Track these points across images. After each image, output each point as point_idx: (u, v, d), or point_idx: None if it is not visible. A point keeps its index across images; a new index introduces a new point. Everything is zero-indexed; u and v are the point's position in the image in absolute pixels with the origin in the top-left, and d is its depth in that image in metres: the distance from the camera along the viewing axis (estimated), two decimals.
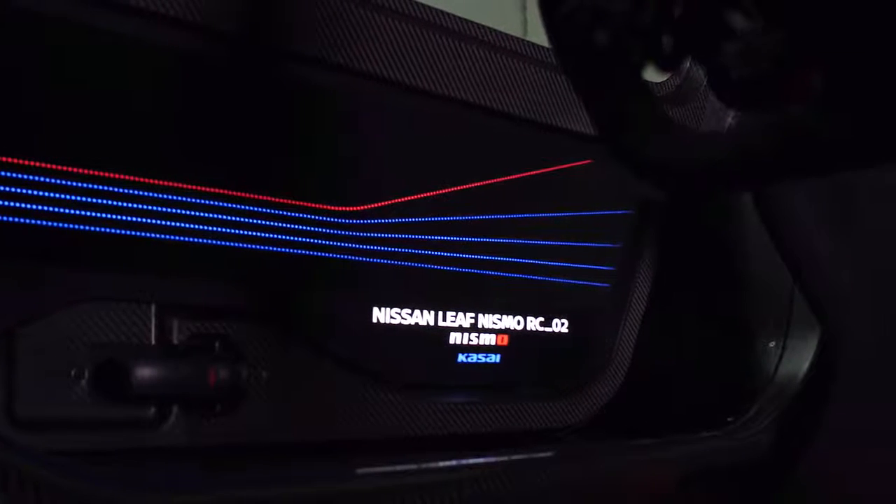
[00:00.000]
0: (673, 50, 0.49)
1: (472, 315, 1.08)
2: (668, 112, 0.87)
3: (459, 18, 1.00)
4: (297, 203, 0.90)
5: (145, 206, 0.79)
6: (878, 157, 0.49)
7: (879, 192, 1.25)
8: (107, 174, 0.76)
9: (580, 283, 1.19)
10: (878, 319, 1.27)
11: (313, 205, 0.91)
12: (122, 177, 0.77)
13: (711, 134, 0.96)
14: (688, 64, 1.14)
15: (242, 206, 0.85)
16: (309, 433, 0.90)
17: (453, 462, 0.95)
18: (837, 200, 1.25)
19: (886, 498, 1.23)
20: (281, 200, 0.88)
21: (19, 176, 0.71)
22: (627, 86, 0.56)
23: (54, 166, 0.73)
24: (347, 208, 0.94)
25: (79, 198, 0.74)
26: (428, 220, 1.01)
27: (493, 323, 1.10)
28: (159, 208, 0.80)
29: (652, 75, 0.56)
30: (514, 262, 1.11)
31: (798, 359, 1.36)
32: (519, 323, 1.13)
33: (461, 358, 1.06)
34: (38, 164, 0.72)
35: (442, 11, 0.99)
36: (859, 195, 1.26)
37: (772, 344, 1.38)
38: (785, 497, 1.21)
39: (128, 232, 0.78)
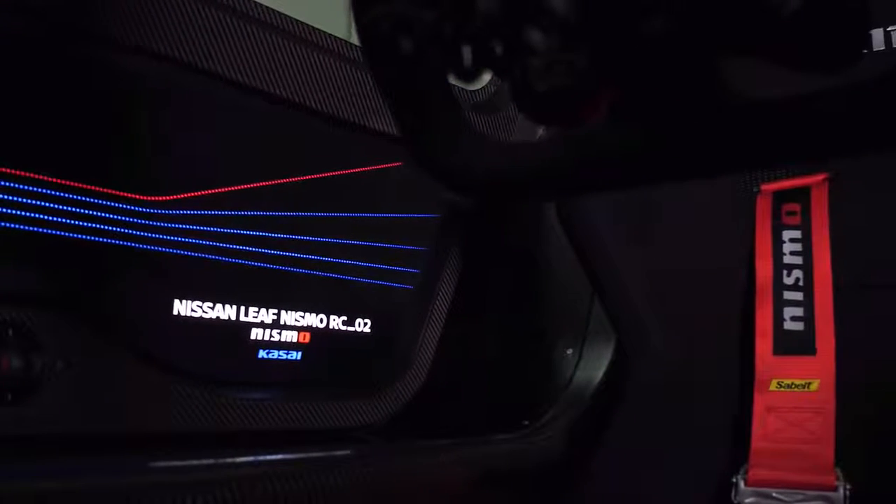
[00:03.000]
0: (472, 62, 0.50)
1: (275, 311, 1.09)
2: (477, 120, 0.91)
3: (280, 14, 1.02)
4: (100, 190, 0.90)
5: None
6: (669, 174, 0.53)
7: (676, 210, 1.31)
8: None
9: (384, 283, 1.22)
10: (669, 332, 1.34)
11: (116, 192, 0.91)
12: None
13: (513, 143, 0.99)
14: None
15: (42, 190, 0.85)
16: (105, 425, 0.89)
17: (249, 458, 0.96)
18: (636, 217, 1.31)
19: (669, 498, 1.30)
20: (83, 186, 0.88)
21: None
22: (430, 93, 0.58)
23: None
24: (151, 198, 0.94)
25: None
26: (233, 214, 1.02)
27: (296, 320, 1.11)
28: None
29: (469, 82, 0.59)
30: (318, 259, 1.12)
31: (593, 367, 1.43)
32: (321, 321, 1.15)
33: (262, 354, 1.07)
34: None
35: (264, 6, 1.00)
36: (657, 212, 1.33)
37: (569, 351, 1.44)
38: (574, 499, 1.27)
39: None
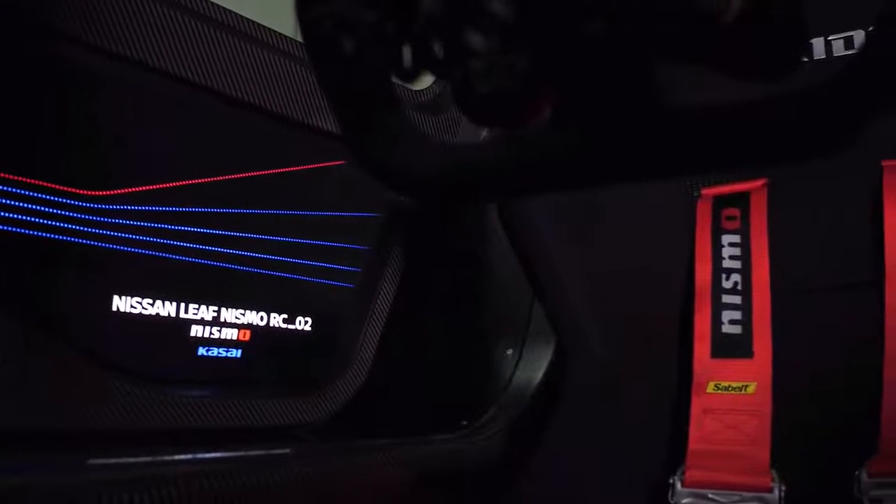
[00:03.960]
0: (412, 63, 0.51)
1: (215, 308, 1.09)
2: (422, 120, 0.91)
3: (227, 10, 1.02)
4: (39, 183, 0.89)
5: None
6: (607, 177, 0.54)
7: (618, 212, 1.33)
8: None
9: (326, 282, 1.22)
10: (608, 334, 1.36)
11: (56, 186, 0.90)
12: None
13: (454, 144, 0.99)
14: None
15: None
16: (42, 422, 0.89)
17: (188, 456, 0.96)
18: (578, 219, 1.32)
19: (606, 498, 1.31)
20: (21, 179, 0.87)
21: None
22: (372, 93, 0.58)
23: None
24: (91, 192, 0.94)
25: None
26: (174, 210, 1.02)
27: (236, 318, 1.11)
28: None
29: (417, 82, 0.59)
30: (259, 257, 1.12)
31: (533, 367, 1.44)
32: (262, 319, 1.15)
33: (202, 351, 1.07)
34: None
35: (211, 2, 1.00)
36: (599, 214, 1.34)
37: (509, 352, 1.45)
38: (513, 499, 1.28)
39: None
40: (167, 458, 0.93)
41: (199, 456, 0.96)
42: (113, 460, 0.88)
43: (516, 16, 0.46)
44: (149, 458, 0.91)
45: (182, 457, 0.95)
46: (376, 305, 1.27)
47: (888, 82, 0.42)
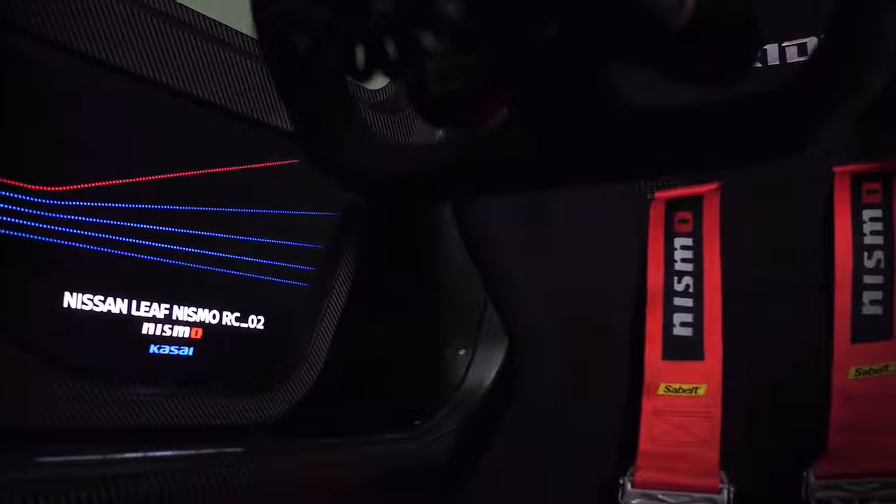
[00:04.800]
0: (365, 63, 0.51)
1: (167, 306, 1.08)
2: (378, 119, 0.91)
3: (185, 7, 1.02)
4: None
5: None
6: (559, 180, 0.54)
7: (572, 213, 1.34)
8: None
9: (279, 281, 1.22)
10: (560, 335, 1.36)
11: (6, 181, 0.90)
12: None
13: (406, 144, 0.99)
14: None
15: None
16: None
17: (137, 455, 0.96)
18: (532, 220, 1.33)
19: (557, 499, 1.32)
20: None
21: None
22: (325, 92, 0.58)
23: None
24: (43, 188, 0.93)
25: None
26: (127, 207, 1.01)
27: (188, 315, 1.11)
28: None
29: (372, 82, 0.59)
30: (212, 255, 1.12)
31: (485, 367, 1.45)
32: (214, 317, 1.14)
33: (153, 349, 1.07)
34: None
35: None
36: (553, 216, 1.35)
37: (462, 352, 1.46)
38: (465, 499, 1.28)
39: None
40: (118, 456, 0.93)
41: (150, 454, 0.96)
42: (62, 458, 0.88)
43: (469, 17, 0.46)
44: (99, 457, 0.90)
45: (133, 455, 0.94)
46: (330, 304, 1.27)
47: (837, 89, 0.43)
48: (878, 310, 1.23)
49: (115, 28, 0.94)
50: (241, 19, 1.01)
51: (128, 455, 0.94)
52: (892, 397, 1.19)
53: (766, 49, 1.26)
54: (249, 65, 1.09)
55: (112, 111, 0.99)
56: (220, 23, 1.05)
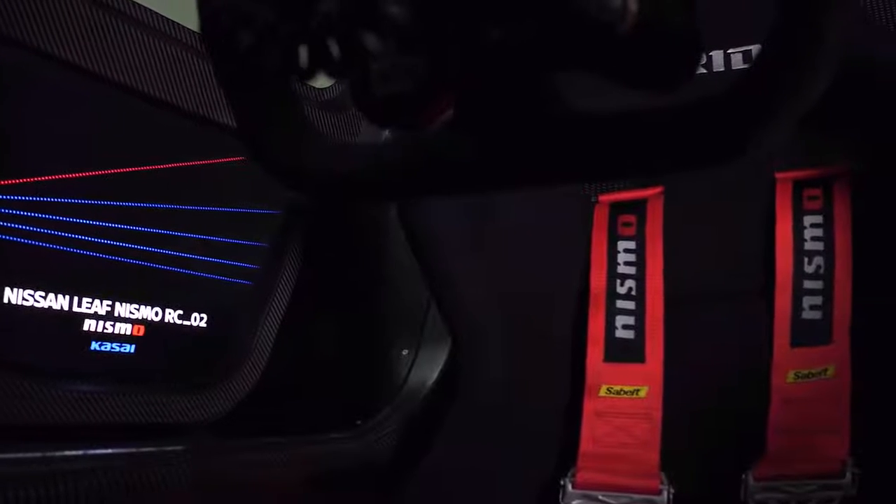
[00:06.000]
0: (309, 62, 0.51)
1: (109, 303, 1.07)
2: (324, 118, 0.91)
3: (131, 2, 1.01)
4: None
5: None
6: (501, 182, 0.55)
7: (517, 215, 1.35)
8: None
9: (222, 278, 1.22)
10: (504, 336, 1.37)
11: None
12: None
13: (350, 144, 0.99)
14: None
15: None
16: None
17: (77, 453, 0.95)
18: (477, 220, 1.34)
19: (498, 499, 1.33)
20: None
21: None
22: (269, 90, 0.59)
23: None
24: None
25: None
26: (69, 202, 1.01)
27: (130, 312, 1.10)
28: None
29: (319, 80, 0.59)
30: (155, 252, 1.11)
31: (428, 367, 1.45)
32: (157, 314, 1.14)
33: (95, 346, 1.06)
34: None
35: None
36: (498, 217, 1.36)
37: (405, 352, 1.47)
38: (406, 498, 1.29)
39: None
40: (58, 453, 0.92)
41: (91, 452, 0.96)
42: (1, 456, 0.87)
43: (413, 20, 0.47)
44: (39, 454, 0.90)
45: (73, 453, 0.94)
46: (273, 303, 1.26)
47: (779, 94, 0.44)
48: (817, 315, 1.26)
49: (60, 22, 0.93)
50: (189, 15, 1.01)
51: (68, 453, 0.94)
52: (830, 400, 1.22)
53: (711, 56, 1.27)
54: (195, 61, 1.08)
55: (55, 106, 0.98)
56: (165, 17, 1.05)
